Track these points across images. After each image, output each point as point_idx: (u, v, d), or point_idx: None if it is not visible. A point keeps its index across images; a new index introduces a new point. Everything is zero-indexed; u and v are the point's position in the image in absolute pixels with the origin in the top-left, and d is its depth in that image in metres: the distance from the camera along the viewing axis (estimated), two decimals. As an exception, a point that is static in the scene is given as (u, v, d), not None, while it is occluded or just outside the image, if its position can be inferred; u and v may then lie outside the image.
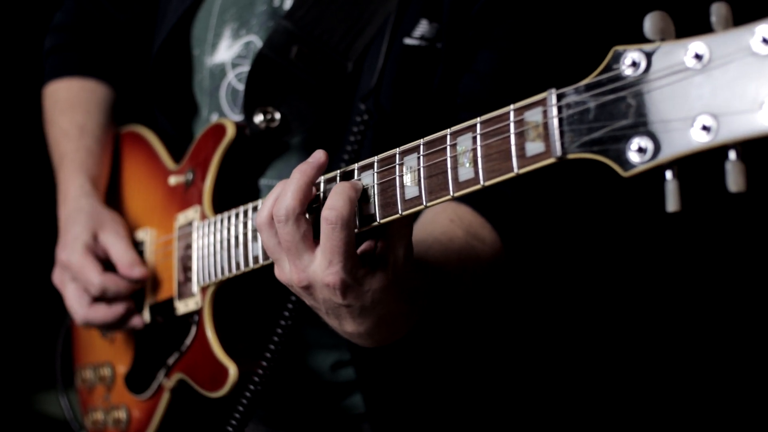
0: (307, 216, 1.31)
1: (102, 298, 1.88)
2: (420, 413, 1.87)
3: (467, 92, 1.76)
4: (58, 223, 2.00)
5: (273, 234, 1.33)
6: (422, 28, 1.75)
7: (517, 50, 1.76)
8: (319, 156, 1.32)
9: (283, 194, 1.30)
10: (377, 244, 1.31)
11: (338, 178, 1.35)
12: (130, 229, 1.99)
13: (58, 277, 1.95)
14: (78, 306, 1.90)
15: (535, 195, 1.77)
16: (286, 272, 1.35)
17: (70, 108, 2.12)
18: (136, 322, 1.91)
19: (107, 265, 1.92)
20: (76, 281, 1.90)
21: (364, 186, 1.31)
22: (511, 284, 1.79)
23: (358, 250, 1.31)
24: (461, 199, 1.67)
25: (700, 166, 1.01)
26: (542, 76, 1.55)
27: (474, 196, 1.65)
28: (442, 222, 1.66)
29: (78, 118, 2.09)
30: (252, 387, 1.68)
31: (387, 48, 1.73)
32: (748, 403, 2.75)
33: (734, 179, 0.94)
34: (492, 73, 1.75)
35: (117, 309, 1.88)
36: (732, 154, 0.95)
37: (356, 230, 1.30)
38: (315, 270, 1.30)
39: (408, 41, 1.75)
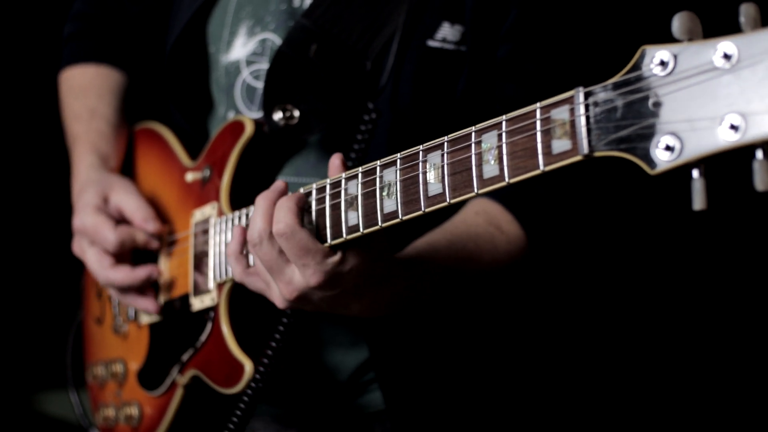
0: (328, 218, 1.42)
1: (123, 254, 1.89)
2: (441, 410, 1.87)
3: (511, 102, 1.76)
4: (72, 203, 2.01)
5: (254, 278, 1.53)
6: (444, 30, 1.75)
7: (558, 60, 1.78)
8: (279, 185, 1.47)
9: (252, 222, 1.44)
10: None
11: (360, 175, 1.36)
12: None
13: (77, 246, 1.95)
14: (100, 268, 1.90)
15: (567, 195, 1.79)
16: (276, 294, 1.48)
17: (83, 93, 2.14)
18: (148, 304, 1.91)
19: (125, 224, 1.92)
20: (94, 244, 1.90)
21: (386, 183, 1.32)
22: (531, 281, 1.81)
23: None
24: (493, 196, 1.71)
25: (728, 166, 1.02)
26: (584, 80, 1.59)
27: (504, 193, 1.71)
28: (467, 212, 1.74)
29: (90, 102, 2.11)
30: (253, 384, 1.69)
31: (399, 48, 1.74)
32: (748, 403, 2.76)
33: (762, 178, 0.95)
34: (535, 84, 1.76)
35: (140, 272, 1.88)
36: (759, 154, 0.95)
37: (379, 227, 1.33)
38: (299, 279, 1.42)
39: (431, 43, 1.75)
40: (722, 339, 2.79)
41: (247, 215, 1.66)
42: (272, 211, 1.42)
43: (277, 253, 1.41)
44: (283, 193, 1.46)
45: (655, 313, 2.85)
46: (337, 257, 1.40)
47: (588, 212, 1.82)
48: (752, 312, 2.77)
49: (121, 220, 1.92)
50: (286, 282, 1.43)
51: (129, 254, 1.92)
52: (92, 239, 1.90)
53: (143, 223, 1.89)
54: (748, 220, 2.71)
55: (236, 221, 1.69)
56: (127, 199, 1.91)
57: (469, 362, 1.91)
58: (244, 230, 1.54)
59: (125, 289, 1.91)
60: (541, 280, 1.81)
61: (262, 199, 1.44)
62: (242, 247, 1.55)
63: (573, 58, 1.78)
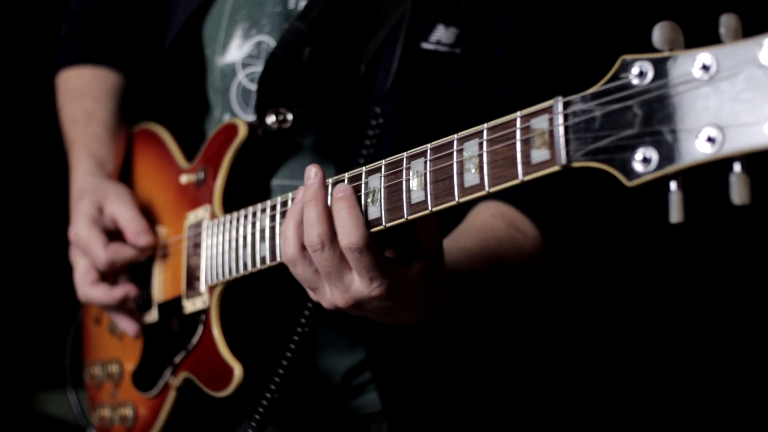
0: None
1: (112, 271, 1.89)
2: (438, 410, 1.86)
3: (506, 104, 1.74)
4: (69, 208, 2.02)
5: (308, 264, 1.36)
6: (439, 33, 1.74)
7: (552, 63, 1.76)
8: (315, 173, 1.34)
9: (308, 224, 1.31)
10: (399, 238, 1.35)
11: (346, 180, 1.35)
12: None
13: (72, 255, 1.97)
14: (81, 282, 1.92)
15: (574, 193, 1.77)
16: (327, 297, 1.37)
17: (80, 95, 2.13)
18: (128, 326, 1.93)
19: (118, 235, 1.93)
20: (85, 257, 1.91)
21: (371, 189, 1.31)
22: (535, 282, 1.80)
23: (386, 252, 1.35)
24: (503, 198, 1.71)
25: (705, 178, 1.00)
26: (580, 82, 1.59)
27: (515, 194, 1.70)
28: (483, 216, 1.71)
29: (87, 105, 2.11)
30: (269, 394, 1.68)
31: (402, 51, 1.73)
32: (748, 405, 2.75)
33: (738, 192, 0.94)
34: (530, 86, 1.75)
35: (116, 292, 1.89)
36: (737, 167, 0.94)
37: (371, 231, 1.31)
38: (358, 288, 1.32)
39: (426, 46, 1.74)
40: (715, 344, 2.79)
41: (238, 219, 1.66)
42: (328, 212, 1.31)
43: (338, 259, 1.31)
44: (324, 185, 1.34)
45: (653, 316, 2.85)
46: (402, 269, 1.33)
47: (597, 211, 1.81)
48: (734, 321, 2.77)
49: (115, 230, 1.93)
50: (342, 289, 1.34)
51: (123, 269, 1.93)
52: (84, 252, 1.91)
53: (135, 236, 1.89)
54: (726, 234, 2.71)
55: (228, 225, 1.69)
56: (121, 210, 1.92)
57: (466, 363, 1.90)
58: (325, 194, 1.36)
59: (105, 306, 1.93)
60: (539, 280, 1.80)
61: (316, 201, 1.32)
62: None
63: (569, 60, 1.76)
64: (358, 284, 1.32)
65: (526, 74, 1.74)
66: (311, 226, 1.31)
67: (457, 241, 1.59)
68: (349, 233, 1.28)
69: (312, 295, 1.40)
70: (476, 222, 1.69)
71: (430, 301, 1.41)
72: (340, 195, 1.31)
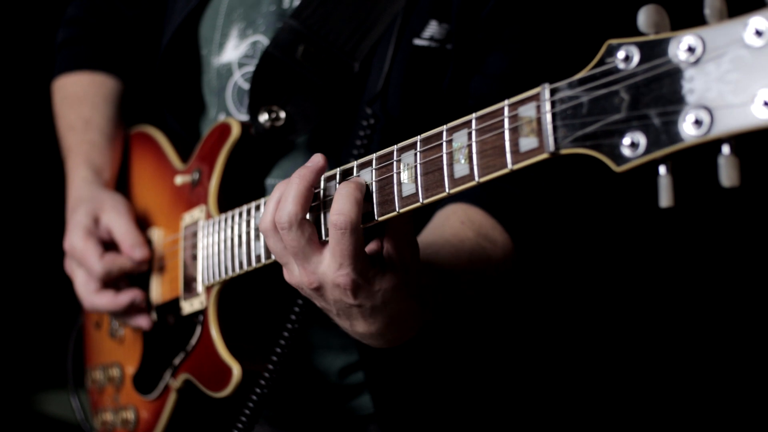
0: (308, 218, 1.31)
1: (109, 280, 1.89)
2: (429, 414, 1.85)
3: (479, 94, 1.75)
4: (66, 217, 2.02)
5: (279, 239, 1.33)
6: (432, 29, 1.74)
7: (527, 51, 1.75)
8: (318, 160, 1.32)
9: (284, 200, 1.29)
10: (384, 244, 1.31)
11: (338, 176, 1.34)
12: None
13: (68, 266, 1.97)
14: (85, 292, 1.91)
15: (543, 194, 1.75)
16: (295, 275, 1.35)
17: (78, 102, 2.13)
18: (141, 321, 1.92)
19: (114, 246, 1.93)
20: (82, 267, 1.91)
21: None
22: (517, 284, 1.78)
23: (367, 250, 1.31)
24: (472, 201, 1.67)
25: (695, 161, 1.00)
26: (552, 75, 1.58)
27: (484, 197, 1.68)
28: (453, 224, 1.67)
29: (84, 112, 2.11)
30: (258, 390, 1.68)
31: (394, 50, 1.73)
32: (747, 403, 2.74)
33: (727, 174, 0.93)
34: (503, 75, 1.74)
35: (123, 298, 1.89)
36: (725, 149, 0.93)
37: (364, 225, 1.29)
38: (325, 271, 1.29)
39: (417, 42, 1.74)
40: (706, 333, 2.79)
41: (233, 218, 1.65)
42: (308, 195, 1.30)
43: (306, 240, 1.29)
44: (323, 172, 1.34)
45: (643, 305, 2.84)
46: (374, 271, 1.30)
47: (568, 209, 1.79)
48: (725, 306, 2.76)
49: (110, 241, 1.93)
50: (309, 270, 1.31)
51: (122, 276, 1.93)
52: (80, 263, 1.91)
53: (130, 250, 1.89)
54: (717, 216, 2.70)
55: (223, 224, 1.68)
56: (116, 222, 1.91)
57: (458, 366, 1.90)
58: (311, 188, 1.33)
59: (113, 313, 1.93)
60: (529, 281, 1.79)
61: (300, 179, 1.30)
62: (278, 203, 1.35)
63: (540, 51, 1.75)
64: (326, 266, 1.29)
65: (494, 64, 1.74)
66: (285, 202, 1.29)
67: (427, 255, 1.52)
68: (340, 210, 1.25)
69: (285, 272, 1.38)
70: (446, 232, 1.64)
71: (393, 320, 1.36)
72: (353, 180, 1.29)
